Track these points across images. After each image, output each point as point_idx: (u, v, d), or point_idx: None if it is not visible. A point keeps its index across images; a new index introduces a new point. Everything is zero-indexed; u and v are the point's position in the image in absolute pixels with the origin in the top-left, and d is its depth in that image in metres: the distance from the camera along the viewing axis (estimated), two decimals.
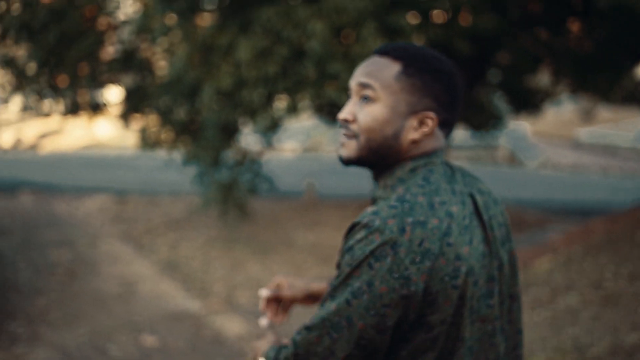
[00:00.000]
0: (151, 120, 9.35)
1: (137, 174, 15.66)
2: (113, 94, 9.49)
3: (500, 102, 10.67)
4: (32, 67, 8.43)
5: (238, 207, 8.17)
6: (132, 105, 8.93)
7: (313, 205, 10.34)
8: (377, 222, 1.36)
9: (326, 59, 5.58)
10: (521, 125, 21.04)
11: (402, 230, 1.35)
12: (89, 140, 24.21)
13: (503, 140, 18.32)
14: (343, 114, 1.52)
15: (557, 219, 9.53)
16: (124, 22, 9.02)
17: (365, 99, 1.49)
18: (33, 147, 23.45)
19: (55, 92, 8.79)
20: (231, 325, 5.89)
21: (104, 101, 9.17)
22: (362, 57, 5.54)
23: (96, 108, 9.05)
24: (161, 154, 10.41)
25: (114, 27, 9.01)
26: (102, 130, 24.96)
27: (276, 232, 8.86)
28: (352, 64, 5.59)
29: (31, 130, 26.30)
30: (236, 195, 8.00)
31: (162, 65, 8.86)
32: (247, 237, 8.63)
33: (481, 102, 9.98)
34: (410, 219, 1.36)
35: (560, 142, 26.49)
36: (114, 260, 8.15)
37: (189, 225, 9.58)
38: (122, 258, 8.24)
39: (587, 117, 24.04)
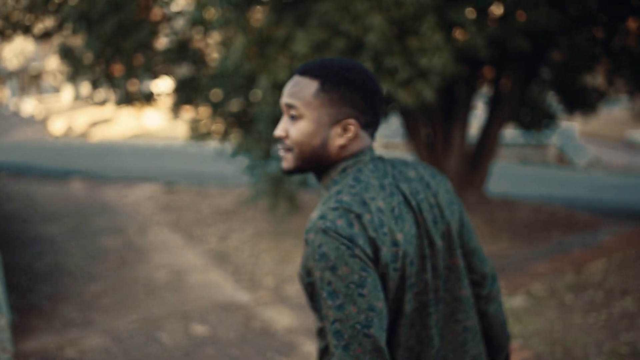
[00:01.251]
0: (202, 111, 9.41)
1: (185, 164, 15.82)
2: (165, 85, 9.58)
3: (552, 101, 10.48)
4: (88, 57, 8.55)
5: (288, 199, 8.16)
6: (184, 96, 9.00)
7: None
8: (329, 224, 1.55)
9: (384, 53, 5.53)
10: (570, 125, 20.68)
11: (351, 225, 1.55)
12: (138, 130, 24.53)
13: (553, 140, 18.01)
14: (277, 132, 1.73)
15: (609, 221, 9.33)
16: (178, 13, 9.10)
17: (293, 117, 1.69)
18: (83, 135, 23.86)
19: (110, 81, 8.90)
20: (280, 318, 5.90)
21: (156, 92, 9.25)
22: (420, 52, 5.49)
23: (149, 98, 9.14)
24: (210, 145, 10.48)
25: (168, 18, 9.09)
26: (151, 120, 25.27)
27: None
28: (410, 58, 5.55)
29: (82, 118, 26.77)
30: (286, 188, 8.00)
31: (215, 57, 8.91)
32: (296, 231, 8.64)
33: (534, 100, 9.81)
34: (352, 215, 1.56)
35: (611, 142, 25.95)
36: (163, 249, 8.24)
37: (238, 217, 9.63)
38: (172, 247, 8.33)
39: None
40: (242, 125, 8.45)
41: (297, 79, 1.71)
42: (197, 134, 9.70)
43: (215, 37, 9.23)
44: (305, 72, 1.70)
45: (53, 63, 45.80)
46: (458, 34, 6.11)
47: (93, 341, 5.61)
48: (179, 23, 9.45)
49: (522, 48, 6.31)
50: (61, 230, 9.32)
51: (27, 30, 9.84)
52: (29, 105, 32.75)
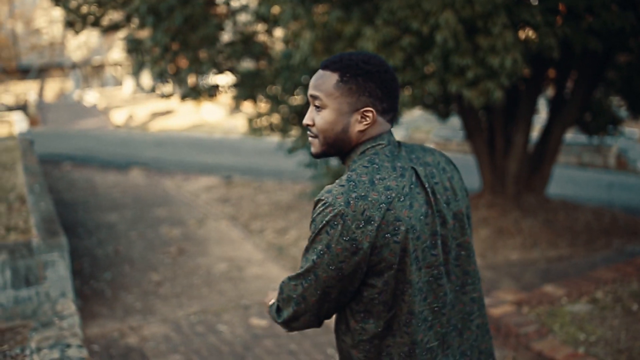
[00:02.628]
0: (262, 106, 9.47)
1: (242, 157, 15.95)
2: (227, 79, 9.66)
3: (616, 105, 10.19)
4: (155, 51, 8.68)
5: None
6: (245, 91, 9.06)
7: None
8: (330, 199, 1.77)
9: (453, 52, 5.47)
10: (633, 129, 20.12)
11: (348, 203, 1.75)
12: (197, 122, 24.83)
13: (614, 143, 17.55)
14: (305, 120, 1.96)
15: None
16: (243, 8, 9.17)
17: (317, 107, 1.91)
18: (143, 126, 24.27)
19: (176, 75, 9.02)
20: None
21: (219, 85, 9.33)
22: (491, 52, 5.41)
23: (212, 92, 9.24)
24: (267, 139, 10.54)
25: (232, 12, 9.16)
26: (210, 112, 25.55)
27: None
28: (480, 58, 5.47)
29: (142, 110, 27.23)
30: None
31: (278, 51, 8.94)
32: None
33: (598, 104, 9.57)
34: (354, 194, 1.76)
35: None
36: (222, 241, 8.32)
37: (296, 212, 9.66)
38: (230, 239, 8.40)
39: None
40: (302, 119, 8.48)
41: (320, 72, 1.92)
42: (256, 128, 9.78)
43: (279, 32, 9.28)
44: (327, 66, 1.91)
45: (116, 55, 46.74)
46: (528, 34, 6.00)
47: (153, 330, 5.70)
48: (244, 18, 9.52)
49: (591, 49, 6.16)
50: (122, 219, 9.49)
51: (95, 23, 10.05)
52: (92, 96, 33.47)
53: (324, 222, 1.77)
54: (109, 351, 5.28)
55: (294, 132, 9.22)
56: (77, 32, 10.08)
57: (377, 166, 1.83)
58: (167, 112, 26.77)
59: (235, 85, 9.29)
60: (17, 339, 3.02)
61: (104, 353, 5.25)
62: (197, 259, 7.63)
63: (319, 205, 1.81)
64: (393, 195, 1.78)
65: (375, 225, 1.74)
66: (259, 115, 9.55)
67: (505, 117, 8.62)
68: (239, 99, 9.29)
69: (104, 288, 6.79)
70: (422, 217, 1.82)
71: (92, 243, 8.33)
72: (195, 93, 8.88)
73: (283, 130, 9.17)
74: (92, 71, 47.47)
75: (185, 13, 7.81)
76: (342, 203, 1.75)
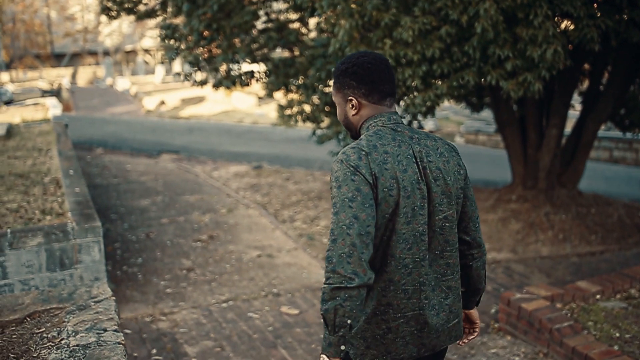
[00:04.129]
0: (295, 94, 9.44)
1: (271, 146, 15.96)
2: (260, 67, 9.64)
3: None
4: (190, 38, 8.69)
5: None
6: (279, 79, 9.04)
7: None
8: (344, 157, 2.19)
9: (492, 43, 5.40)
10: None
11: (359, 158, 2.17)
12: (227, 109, 24.89)
13: None
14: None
15: None
16: None
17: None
18: (174, 113, 24.38)
19: (209, 63, 9.02)
20: None
21: (252, 74, 9.32)
22: (531, 43, 5.32)
23: (244, 80, 9.22)
24: (298, 128, 10.51)
25: (267, 0, 9.14)
26: (241, 100, 25.59)
27: None
28: (519, 49, 5.39)
29: (173, 97, 27.36)
30: None
31: (312, 40, 8.90)
32: None
33: (634, 99, 9.37)
34: (363, 152, 2.18)
35: None
36: (252, 229, 8.33)
37: (326, 201, 9.64)
38: (261, 227, 8.41)
39: None
40: (335, 108, 8.42)
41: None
42: (287, 117, 9.76)
43: (314, 21, 9.24)
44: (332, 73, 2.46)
45: (148, 43, 47.01)
46: (567, 25, 5.90)
47: (185, 315, 5.73)
48: (279, 5, 9.49)
49: (631, 42, 6.03)
50: (153, 205, 9.55)
51: (130, 9, 10.09)
52: (123, 83, 33.71)
53: (347, 173, 2.15)
54: (141, 335, 5.32)
55: (325, 121, 9.20)
56: (112, 19, 10.14)
57: (379, 136, 2.26)
58: (198, 99, 26.86)
59: (267, 74, 9.27)
60: (54, 322, 3.04)
61: (136, 337, 5.29)
62: (227, 246, 7.65)
63: (337, 164, 2.20)
64: (389, 158, 2.19)
65: (379, 180, 2.16)
66: (291, 104, 9.53)
67: (539, 109, 8.51)
68: (271, 87, 9.27)
69: (136, 272, 6.84)
70: (414, 182, 2.21)
71: (124, 228, 8.40)
72: (228, 81, 8.87)
73: (314, 119, 9.15)
74: (124, 58, 47.81)
75: (220, 0, 7.80)
76: (355, 158, 2.17)
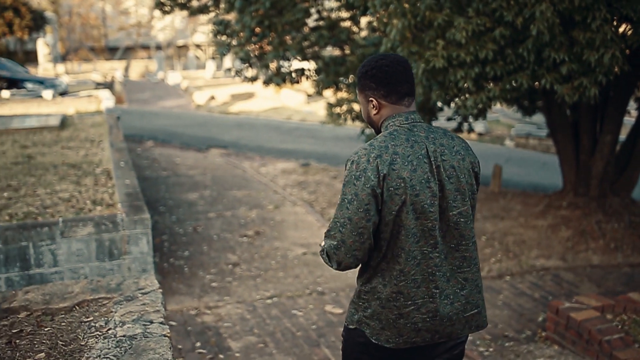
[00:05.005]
0: (345, 92, 9.42)
1: (319, 143, 15.96)
2: (310, 65, 9.64)
3: None
4: (242, 34, 8.73)
5: None
6: (329, 77, 9.03)
7: (498, 194, 10.01)
8: (356, 158, 2.37)
9: (549, 46, 5.29)
10: None
11: (368, 161, 2.33)
12: (276, 106, 24.99)
13: None
14: None
15: None
16: None
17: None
18: (223, 108, 24.59)
19: (260, 59, 9.06)
20: None
21: (304, 70, 9.33)
22: (589, 47, 5.21)
23: (295, 78, 9.24)
24: (347, 127, 10.47)
25: None
26: (290, 97, 25.66)
27: None
28: (575, 53, 5.27)
29: (223, 92, 27.59)
30: None
31: (363, 38, 8.87)
32: None
33: None
34: (373, 155, 2.34)
35: None
36: (298, 226, 8.34)
37: None
38: (306, 225, 8.42)
39: None
40: None
41: None
42: (336, 115, 9.75)
43: (365, 20, 9.21)
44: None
45: (199, 38, 47.50)
46: (626, 29, 5.74)
47: (230, 310, 5.77)
48: (330, 3, 9.48)
49: None
50: (201, 199, 9.64)
51: (184, 4, 10.20)
52: (174, 77, 34.11)
53: (353, 175, 2.35)
54: (186, 328, 5.37)
55: None
56: (166, 13, 10.26)
57: (393, 136, 2.39)
58: (247, 95, 27.04)
59: (318, 72, 9.27)
60: (102, 311, 3.08)
61: (181, 329, 5.34)
62: (273, 242, 7.68)
63: (349, 163, 2.38)
64: (398, 159, 2.33)
65: (386, 180, 2.30)
66: (340, 102, 9.52)
67: (593, 115, 8.32)
68: (321, 85, 9.26)
69: (182, 265, 6.92)
70: (423, 181, 2.34)
71: (172, 220, 8.50)
72: (278, 78, 8.90)
73: (363, 118, 9.12)
74: (175, 53, 48.40)
75: None
76: (365, 161, 2.33)
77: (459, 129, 9.17)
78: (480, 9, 5.53)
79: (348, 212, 2.34)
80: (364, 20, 9.34)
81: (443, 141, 2.43)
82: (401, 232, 2.35)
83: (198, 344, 5.08)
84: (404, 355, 2.49)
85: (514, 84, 5.68)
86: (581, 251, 7.46)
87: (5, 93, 17.80)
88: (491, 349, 4.98)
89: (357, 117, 9.16)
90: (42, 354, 2.64)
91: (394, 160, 2.32)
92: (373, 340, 2.48)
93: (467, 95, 6.08)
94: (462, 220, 2.43)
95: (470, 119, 8.33)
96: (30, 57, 37.99)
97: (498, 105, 11.82)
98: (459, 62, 5.67)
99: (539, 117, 17.33)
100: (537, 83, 5.77)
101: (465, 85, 5.83)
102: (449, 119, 9.31)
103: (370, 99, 2.51)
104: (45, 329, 2.89)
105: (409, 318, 2.42)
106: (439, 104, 7.60)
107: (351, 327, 2.54)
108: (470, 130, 9.07)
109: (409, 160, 2.33)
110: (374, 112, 2.52)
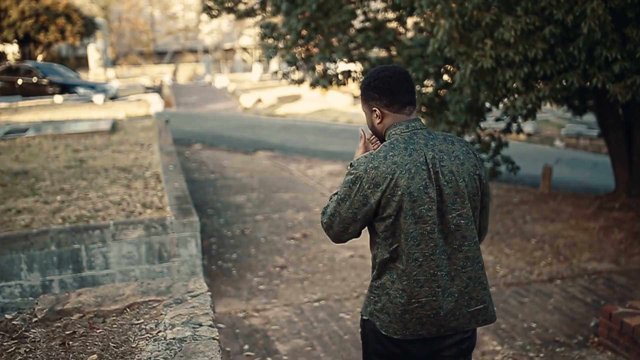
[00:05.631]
0: None
1: None
2: (356, 67, 9.62)
3: None
4: (288, 37, 8.77)
5: None
6: None
7: (548, 195, 9.85)
8: (356, 165, 2.53)
9: (600, 44, 5.18)
10: None
11: (365, 170, 2.49)
12: (323, 108, 25.02)
13: None
14: None
15: None
16: None
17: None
18: (270, 110, 24.73)
19: (306, 62, 9.08)
20: None
21: (349, 73, 9.30)
22: None
23: (341, 80, 9.22)
24: None
25: None
26: (336, 99, 25.67)
27: (509, 219, 8.55)
28: (629, 51, 5.15)
29: (270, 95, 27.75)
30: None
31: (409, 39, 8.82)
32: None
33: None
34: (371, 165, 2.49)
35: None
36: None
37: None
38: None
39: None
40: (432, 108, 8.31)
41: None
42: None
43: (411, 20, 9.15)
44: None
45: (246, 41, 47.88)
46: None
47: (277, 313, 5.78)
48: (377, 5, 9.45)
49: None
50: (249, 201, 9.71)
51: (231, 9, 10.29)
52: (222, 80, 34.44)
53: (349, 180, 2.53)
54: (234, 330, 5.41)
55: (422, 121, 9.09)
56: (213, 17, 10.36)
57: (393, 146, 2.51)
58: (294, 98, 27.13)
59: (364, 73, 9.24)
60: (152, 314, 3.12)
61: (229, 332, 5.38)
62: (320, 245, 7.68)
63: (350, 167, 2.55)
64: (396, 168, 2.46)
65: (380, 189, 2.46)
66: None
67: None
68: None
69: (230, 268, 6.97)
70: (421, 188, 2.46)
71: (220, 223, 8.57)
72: (325, 80, 8.90)
73: None
74: (222, 56, 48.86)
75: (319, 0, 7.83)
76: (362, 170, 2.49)
77: (507, 130, 9.04)
78: (529, 8, 5.44)
79: (339, 208, 2.58)
80: (410, 21, 9.28)
81: (442, 147, 2.55)
82: (401, 236, 2.50)
83: (246, 347, 5.10)
84: (412, 345, 2.64)
85: (565, 84, 5.58)
86: (635, 254, 7.28)
87: (58, 98, 18.21)
88: (542, 355, 4.89)
89: None
90: (95, 356, 2.68)
91: (393, 170, 2.46)
92: (383, 332, 2.63)
93: (516, 96, 5.99)
94: (462, 222, 2.55)
95: (519, 120, 8.20)
96: (82, 63, 38.80)
97: (547, 105, 11.65)
98: (507, 62, 5.59)
99: (589, 117, 17.00)
100: (588, 82, 5.66)
101: (514, 85, 5.75)
102: (498, 120, 9.20)
103: (374, 108, 2.63)
104: (98, 331, 2.93)
105: (413, 314, 2.57)
106: (487, 104, 7.51)
107: (365, 317, 2.72)
108: (519, 130, 8.93)
109: (406, 168, 2.46)
110: (377, 121, 2.64)
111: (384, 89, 2.60)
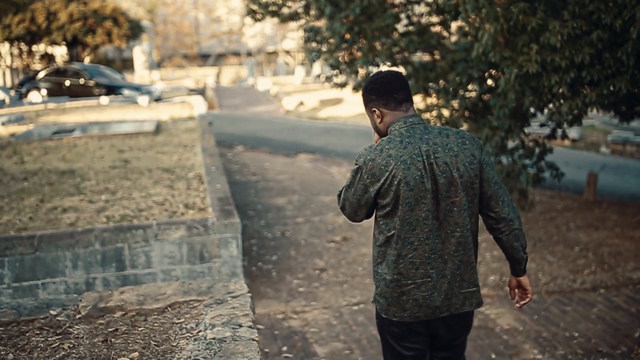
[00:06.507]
0: (434, 98, 9.31)
1: None
2: (400, 70, 9.58)
3: None
4: (331, 41, 8.78)
5: (519, 195, 7.81)
6: (418, 83, 8.95)
7: (592, 203, 9.68)
8: (359, 156, 2.79)
9: None
10: None
11: (364, 162, 2.75)
12: (364, 112, 24.99)
13: None
14: None
15: None
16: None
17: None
18: (313, 114, 24.79)
19: (349, 66, 9.08)
20: (502, 317, 5.70)
21: None
22: None
23: None
24: None
25: (408, 3, 9.08)
26: None
27: (552, 227, 8.42)
28: None
29: (312, 98, 27.81)
30: (519, 184, 7.68)
31: (453, 43, 8.75)
32: (524, 230, 8.30)
33: None
34: (369, 157, 2.75)
35: None
36: None
37: None
38: None
39: None
40: (475, 113, 8.23)
41: None
42: (425, 121, 9.63)
43: (455, 24, 9.08)
44: None
45: (289, 44, 48.09)
46: None
47: (317, 315, 5.79)
48: (420, 8, 9.41)
49: None
50: (289, 204, 9.74)
51: (275, 13, 10.34)
52: (264, 83, 34.65)
53: (353, 170, 2.82)
54: (273, 332, 5.43)
55: (464, 126, 9.01)
56: (257, 21, 10.42)
57: (390, 140, 2.75)
58: (336, 101, 27.15)
59: (407, 77, 9.20)
60: (193, 313, 3.15)
61: (268, 333, 5.40)
62: (360, 248, 7.66)
63: (356, 158, 2.82)
64: (391, 160, 2.69)
65: (378, 179, 2.71)
66: (429, 108, 9.41)
67: None
68: (410, 91, 9.18)
69: (270, 269, 7.00)
70: (417, 177, 2.68)
71: (260, 225, 8.61)
72: None
73: (453, 124, 8.99)
74: (265, 59, 49.15)
75: (362, 3, 7.83)
76: (362, 161, 2.76)
77: (552, 136, 8.91)
78: (577, 12, 5.36)
79: (347, 194, 2.88)
80: (454, 25, 9.21)
81: (437, 140, 2.75)
82: (398, 222, 2.74)
83: (284, 348, 5.12)
84: (411, 328, 2.88)
85: (612, 89, 5.48)
86: None
87: (104, 99, 18.51)
88: None
89: (447, 122, 9.03)
90: (136, 353, 2.72)
91: (388, 162, 2.70)
92: (383, 315, 2.91)
93: (561, 101, 5.90)
94: (455, 209, 2.75)
95: (564, 125, 8.07)
96: (127, 65, 39.40)
97: (594, 111, 11.45)
98: (553, 67, 5.51)
99: (637, 123, 16.68)
100: (636, 88, 5.55)
101: (559, 90, 5.66)
102: (542, 125, 9.06)
103: (374, 109, 2.88)
104: (139, 329, 2.97)
105: (410, 295, 2.80)
106: (532, 110, 7.41)
107: (372, 302, 3.12)
108: (564, 136, 8.79)
109: (402, 160, 2.69)
110: (378, 121, 2.88)
111: (379, 90, 2.84)
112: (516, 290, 3.10)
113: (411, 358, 2.96)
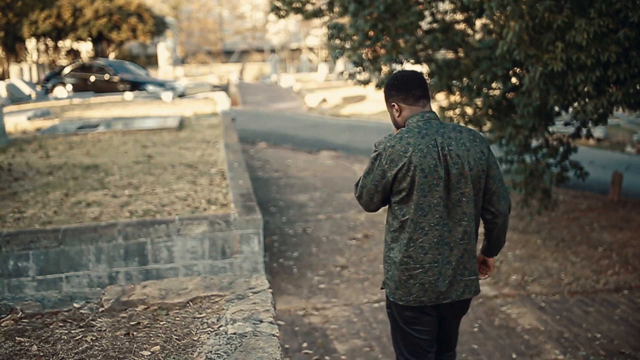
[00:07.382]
0: (458, 96, 9.27)
1: None
2: (424, 68, 9.54)
3: None
4: (355, 38, 8.76)
5: (543, 194, 7.75)
6: (442, 80, 8.91)
7: (617, 203, 9.58)
8: (377, 144, 2.98)
9: None
10: None
11: (384, 149, 2.94)
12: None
13: None
14: None
15: None
16: None
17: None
18: (335, 111, 24.77)
19: (373, 63, 9.06)
20: (523, 317, 5.67)
21: None
22: None
23: None
24: None
25: (433, 0, 9.03)
26: None
27: (576, 226, 8.35)
28: None
29: (335, 95, 27.79)
30: (542, 183, 7.62)
31: (477, 41, 8.70)
32: (548, 228, 8.24)
33: None
34: (389, 144, 2.94)
35: None
36: None
37: None
38: None
39: None
40: (499, 112, 8.18)
41: None
42: (448, 119, 9.59)
43: (480, 22, 9.03)
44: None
45: (312, 41, 48.09)
46: None
47: (337, 312, 5.79)
48: (445, 6, 9.36)
49: None
50: (311, 200, 9.75)
51: (298, 9, 10.35)
52: (288, 80, 34.69)
53: (372, 157, 2.99)
54: (294, 328, 5.44)
55: (488, 125, 8.96)
56: (281, 17, 10.44)
57: (408, 130, 2.97)
58: (359, 98, 27.11)
59: (431, 75, 9.16)
60: (214, 308, 3.17)
61: (288, 329, 5.42)
62: (382, 246, 7.65)
63: (375, 145, 2.99)
64: (409, 147, 2.89)
65: (396, 165, 2.89)
66: (452, 106, 9.37)
67: None
68: (433, 88, 9.15)
69: (291, 266, 7.01)
70: (432, 166, 2.87)
71: (282, 221, 8.63)
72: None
73: (477, 122, 8.94)
74: (288, 56, 49.19)
75: (387, 1, 7.81)
76: (382, 148, 2.95)
77: (576, 135, 8.84)
78: (603, 10, 5.31)
79: (365, 181, 3.04)
80: (479, 23, 9.16)
81: (451, 134, 2.96)
82: (411, 207, 2.93)
83: (305, 345, 5.13)
84: (424, 310, 3.06)
85: (638, 88, 5.42)
86: None
87: (129, 95, 18.66)
88: None
89: (470, 120, 8.99)
90: (157, 347, 2.74)
91: (406, 149, 2.89)
92: (390, 299, 3.10)
93: (587, 100, 5.85)
94: (463, 199, 2.95)
95: (589, 124, 8.00)
96: (152, 61, 39.66)
97: (619, 110, 11.29)
98: (578, 65, 5.46)
99: None
100: None
101: (585, 89, 5.61)
102: (567, 124, 8.98)
103: (393, 104, 3.10)
104: (161, 323, 2.99)
105: (417, 279, 2.98)
106: (556, 108, 7.35)
107: (382, 287, 3.20)
108: (589, 135, 8.70)
109: (419, 148, 2.88)
110: (397, 114, 3.10)
111: (399, 86, 3.06)
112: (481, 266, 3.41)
113: (424, 342, 3.14)
